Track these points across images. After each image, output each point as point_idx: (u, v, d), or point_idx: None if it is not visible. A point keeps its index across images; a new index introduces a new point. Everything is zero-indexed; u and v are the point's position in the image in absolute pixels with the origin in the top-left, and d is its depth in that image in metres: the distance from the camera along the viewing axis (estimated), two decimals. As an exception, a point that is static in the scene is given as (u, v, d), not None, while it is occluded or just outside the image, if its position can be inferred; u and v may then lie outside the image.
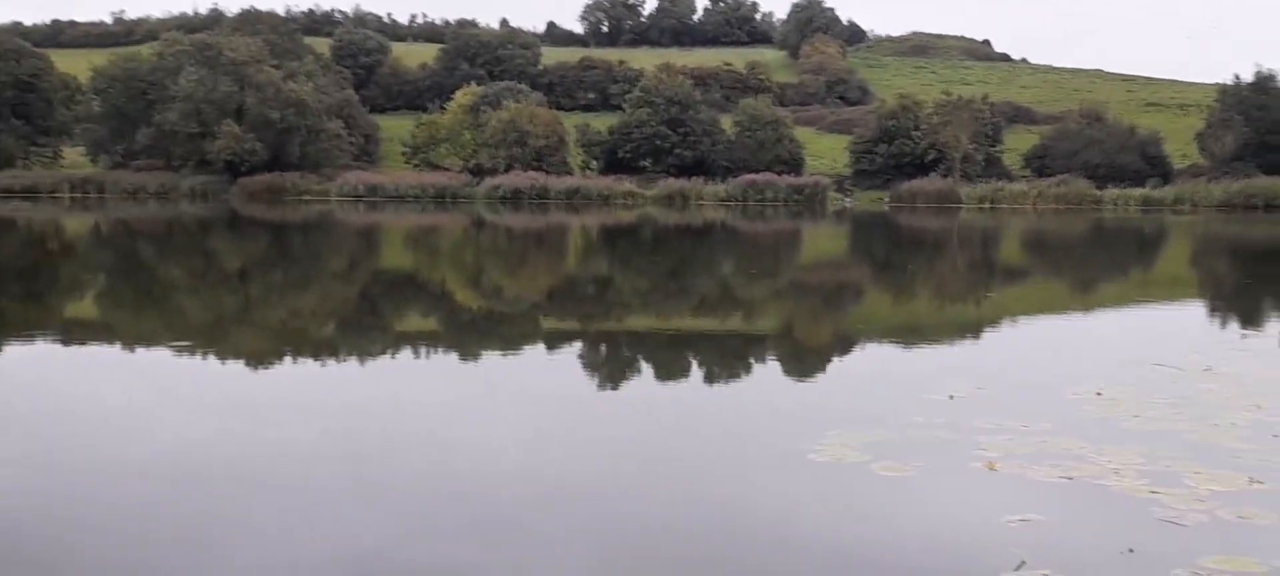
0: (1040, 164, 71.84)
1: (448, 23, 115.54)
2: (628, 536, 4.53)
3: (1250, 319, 13.95)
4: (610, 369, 9.48)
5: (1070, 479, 5.27)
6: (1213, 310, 15.49)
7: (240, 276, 18.94)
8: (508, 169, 67.49)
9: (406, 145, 74.14)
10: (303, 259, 23.68)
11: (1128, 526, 4.56)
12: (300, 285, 17.65)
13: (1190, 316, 14.81)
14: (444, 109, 74.96)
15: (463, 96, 74.37)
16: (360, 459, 5.82)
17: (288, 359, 9.76)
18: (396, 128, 77.91)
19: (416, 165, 72.36)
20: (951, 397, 7.24)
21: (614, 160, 72.29)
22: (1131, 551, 4.25)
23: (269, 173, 64.79)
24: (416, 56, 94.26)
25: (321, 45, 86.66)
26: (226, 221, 38.77)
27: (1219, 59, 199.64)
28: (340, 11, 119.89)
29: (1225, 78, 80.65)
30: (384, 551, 4.35)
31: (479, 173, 68.92)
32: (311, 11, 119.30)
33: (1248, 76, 71.99)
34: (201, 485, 5.22)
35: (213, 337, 11.15)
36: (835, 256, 28.03)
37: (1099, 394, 7.36)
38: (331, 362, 9.59)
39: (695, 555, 4.31)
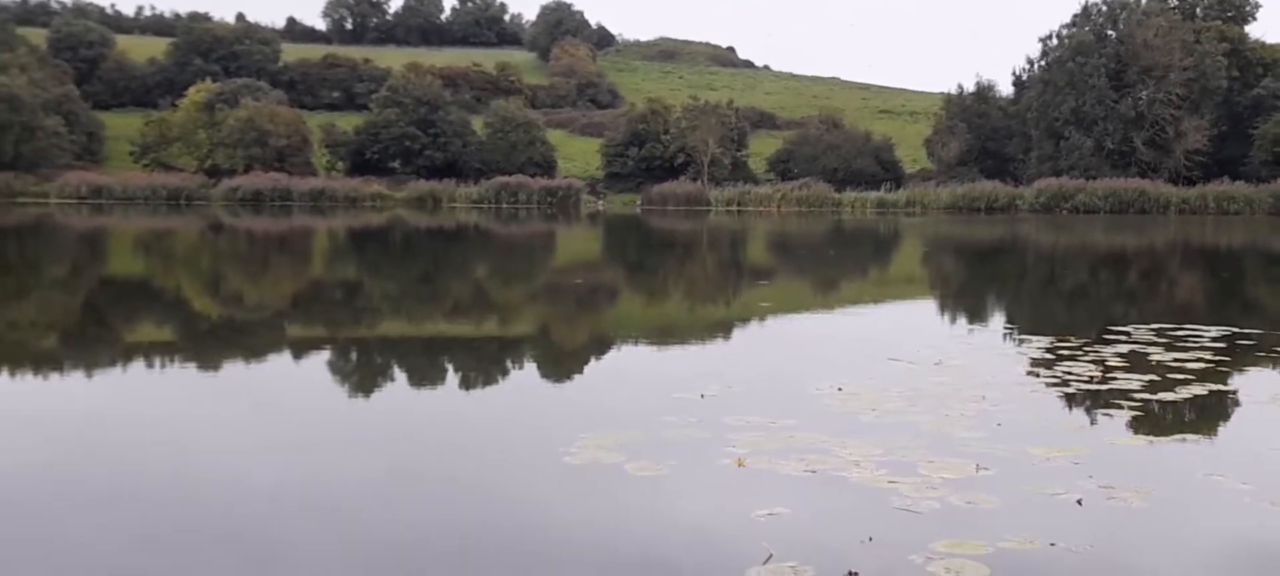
0: (783, 167, 74.91)
1: (178, 16, 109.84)
2: (388, 545, 4.36)
3: (976, 314, 14.90)
4: (362, 376, 9.18)
5: (814, 472, 5.44)
6: (942, 307, 16.48)
7: (-55, 285, 17.34)
8: (247, 170, 64.89)
9: (135, 144, 70.10)
10: (18, 265, 21.92)
11: (868, 515, 4.74)
12: (16, 294, 16.31)
13: (923, 313, 15.69)
14: (176, 106, 71.34)
15: (196, 93, 70.98)
16: (99, 475, 5.41)
17: (4, 373, 8.96)
18: (124, 126, 73.56)
19: (147, 166, 68.56)
20: (702, 396, 7.36)
21: (361, 161, 70.68)
22: (871, 539, 4.41)
23: (-21, 173, 59.94)
24: (145, 50, 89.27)
25: (37, 37, 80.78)
26: (-70, 225, 35.53)
27: (945, 69, 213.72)
28: (58, 1, 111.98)
29: (950, 87, 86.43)
30: (135, 573, 4.05)
31: (216, 174, 65.97)
32: (25, 0, 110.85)
33: (970, 86, 77.33)
34: None
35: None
36: (589, 259, 28.27)
37: (840, 389, 7.66)
38: (56, 376, 8.87)
39: (455, 561, 4.19)
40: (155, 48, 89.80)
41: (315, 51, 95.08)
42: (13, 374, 8.97)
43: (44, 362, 9.59)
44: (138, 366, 9.50)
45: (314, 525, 4.67)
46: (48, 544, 4.41)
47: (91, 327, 12.76)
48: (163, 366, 9.44)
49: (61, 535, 4.47)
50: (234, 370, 9.42)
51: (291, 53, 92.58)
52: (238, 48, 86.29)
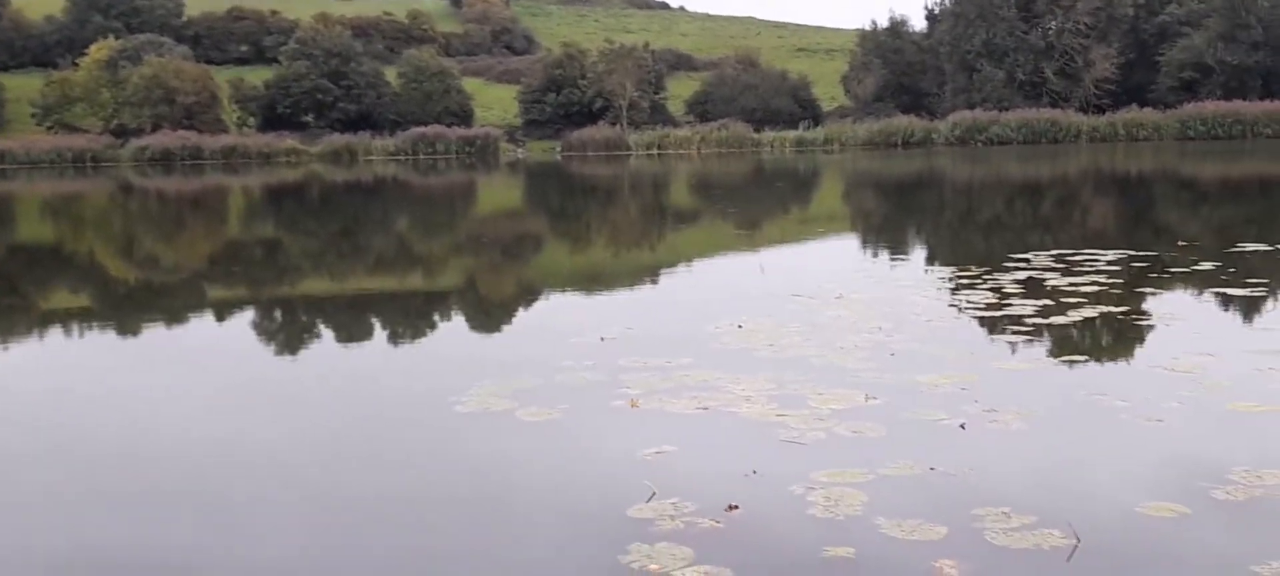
0: (702, 109, 74.87)
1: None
2: (335, 500, 4.37)
3: (890, 249, 15.06)
4: (284, 336, 9.06)
5: (705, 409, 5.48)
6: (860, 243, 16.64)
7: None
8: (155, 129, 63.26)
9: (36, 106, 67.96)
10: (-87, 236, 21.23)
11: (754, 450, 4.78)
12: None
13: (838, 250, 15.79)
14: (77, 65, 69.16)
15: (98, 51, 68.84)
16: (41, 441, 5.37)
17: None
18: (23, 87, 71.22)
19: (49, 127, 66.54)
20: (603, 340, 7.37)
21: (273, 116, 69.29)
22: (755, 472, 4.46)
23: None
24: (42, 7, 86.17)
25: (-74, -3, 77.71)
26: None
27: (859, 5, 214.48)
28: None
29: (865, 23, 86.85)
30: (92, 540, 4.02)
31: (122, 134, 64.26)
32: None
33: (884, 22, 77.73)
34: None
35: None
36: (510, 208, 28.09)
37: (740, 327, 7.71)
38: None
39: (369, 506, 4.17)
40: (52, 4, 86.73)
41: (220, 4, 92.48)
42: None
43: (-66, 334, 9.32)
44: (56, 334, 9.32)
45: (262, 482, 4.67)
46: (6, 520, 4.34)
47: (3, 297, 12.40)
48: (82, 333, 9.28)
49: (12, 497, 4.41)
50: (157, 334, 9.21)
51: (196, 5, 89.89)
52: (139, 2, 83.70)
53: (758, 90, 73.91)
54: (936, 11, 75.80)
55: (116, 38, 72.39)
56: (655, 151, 64.82)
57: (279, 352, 8.29)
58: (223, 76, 71.64)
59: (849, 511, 4.02)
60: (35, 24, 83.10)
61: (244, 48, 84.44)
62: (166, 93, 64.85)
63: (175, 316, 10.25)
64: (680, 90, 79.68)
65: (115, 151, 62.24)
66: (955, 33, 68.76)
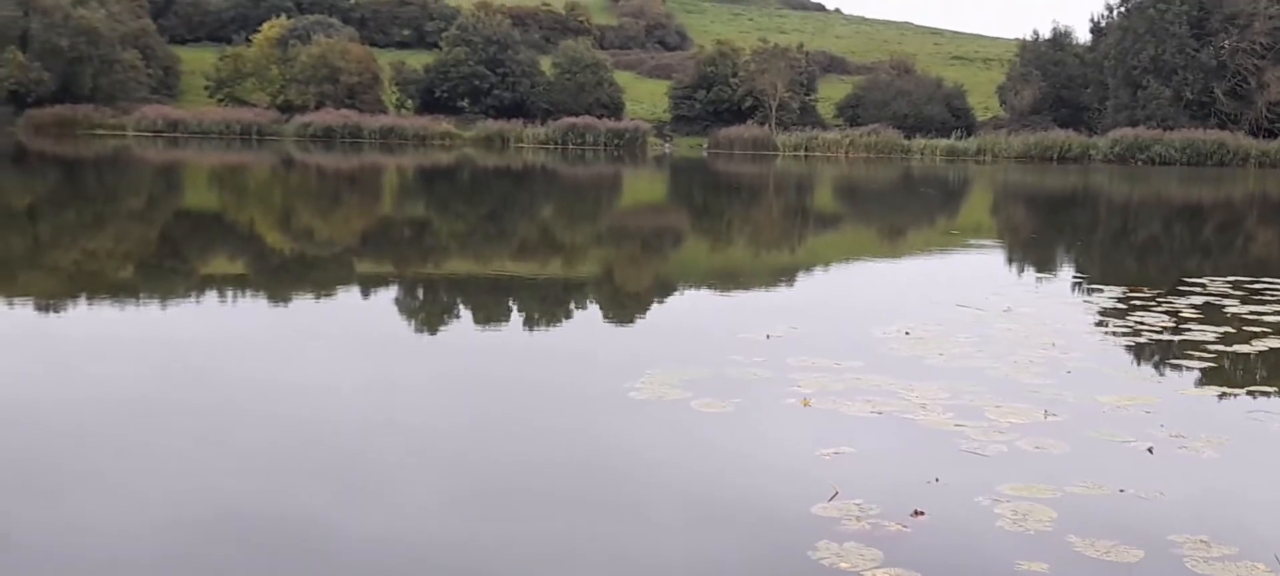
0: (852, 113, 73.91)
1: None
2: (482, 472, 4.49)
3: (1045, 264, 14.70)
4: (429, 313, 9.30)
5: (880, 413, 5.44)
6: (1011, 255, 16.27)
7: (29, 215, 17.80)
8: (318, 106, 65.33)
9: (210, 79, 70.86)
10: (97, 197, 22.42)
11: (934, 457, 4.74)
12: (95, 225, 16.70)
13: (991, 261, 15.49)
14: (250, 42, 71.92)
15: (270, 29, 71.44)
16: (194, 404, 5.56)
17: (85, 303, 9.21)
18: (199, 60, 74.33)
19: (221, 100, 69.29)
20: (768, 337, 7.37)
21: (431, 100, 70.88)
22: (937, 480, 4.41)
23: (59, 105, 61.00)
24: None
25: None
26: (11, 156, 36.37)
27: (1021, 15, 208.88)
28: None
29: (1026, 33, 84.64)
30: (247, 502, 4.13)
31: (288, 110, 66.51)
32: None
33: (1046, 33, 75.60)
34: (33, 434, 4.88)
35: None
36: (655, 202, 28.25)
37: (907, 333, 7.62)
38: (134, 305, 9.10)
39: (535, 487, 4.27)
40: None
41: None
42: (92, 302, 9.21)
43: (123, 292, 9.84)
44: (212, 298, 9.70)
45: (411, 453, 4.78)
46: (148, 458, 4.58)
47: (168, 259, 13.03)
48: (236, 299, 9.64)
49: (177, 468, 4.57)
50: (305, 304, 9.58)
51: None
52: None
53: (910, 96, 72.64)
54: (1103, 24, 73.36)
55: (288, 17, 75.06)
56: (802, 153, 64.32)
57: (436, 331, 8.50)
58: (385, 59, 73.62)
59: (1039, 526, 3.95)
60: (213, 1, 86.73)
61: (407, 32, 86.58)
62: (331, 72, 66.93)
63: (325, 288, 10.61)
64: (831, 93, 78.85)
65: (280, 126, 64.53)
66: (1121, 47, 66.43)
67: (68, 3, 62.42)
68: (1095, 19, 75.42)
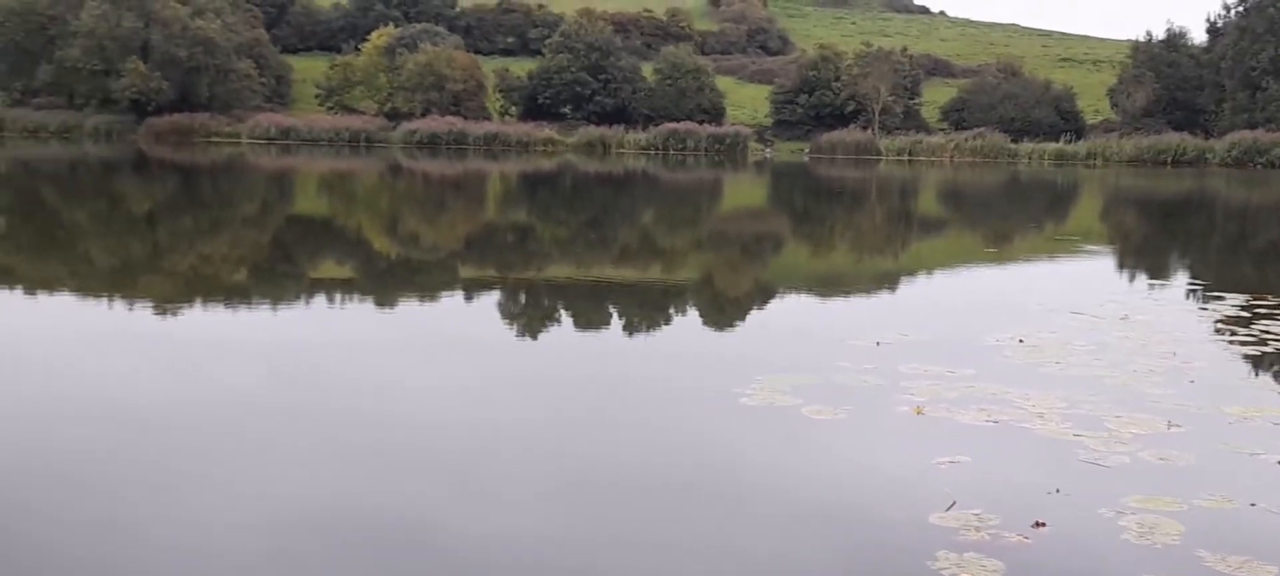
0: (958, 117, 72.69)
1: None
2: (584, 475, 4.51)
3: (1158, 271, 14.28)
4: (531, 318, 9.38)
5: (996, 422, 5.33)
6: (1124, 262, 15.84)
7: (148, 220, 18.42)
8: (425, 113, 66.46)
9: (320, 87, 72.57)
10: (213, 203, 23.10)
11: (1053, 468, 4.62)
12: (211, 230, 17.21)
13: (1104, 267, 15.10)
14: (359, 51, 73.46)
15: (378, 38, 72.89)
16: (295, 399, 5.71)
17: (201, 306, 9.49)
18: (309, 69, 76.19)
19: (330, 108, 70.94)
20: (878, 344, 7.28)
21: (533, 106, 71.61)
22: (1058, 491, 4.31)
23: (177, 113, 63.04)
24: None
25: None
26: (133, 163, 37.69)
27: (1133, 15, 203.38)
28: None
29: (1138, 34, 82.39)
30: (354, 499, 4.22)
31: (395, 117, 67.80)
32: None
33: (1160, 33, 73.49)
34: (152, 433, 5.05)
35: (121, 283, 10.81)
36: (755, 207, 28.13)
37: (1021, 341, 7.46)
38: (246, 310, 9.35)
39: (650, 489, 4.28)
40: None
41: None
42: (207, 305, 9.48)
43: (237, 295, 10.12)
44: (321, 302, 9.90)
45: (512, 455, 4.82)
46: (260, 456, 4.69)
47: (280, 264, 13.36)
48: (344, 303, 9.83)
49: (288, 467, 4.68)
50: (411, 308, 9.73)
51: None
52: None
53: (1018, 100, 71.19)
54: (1219, 24, 71.08)
55: (395, 26, 76.53)
56: (906, 158, 63.49)
57: (538, 335, 8.56)
58: (489, 66, 74.61)
59: (1166, 540, 3.83)
60: (323, 11, 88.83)
61: (510, 39, 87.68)
62: (437, 80, 68.04)
63: (431, 293, 10.76)
64: (936, 97, 77.67)
65: (387, 133, 65.81)
66: (1240, 47, 64.27)
67: (186, 14, 64.43)
68: (1212, 19, 73.05)
